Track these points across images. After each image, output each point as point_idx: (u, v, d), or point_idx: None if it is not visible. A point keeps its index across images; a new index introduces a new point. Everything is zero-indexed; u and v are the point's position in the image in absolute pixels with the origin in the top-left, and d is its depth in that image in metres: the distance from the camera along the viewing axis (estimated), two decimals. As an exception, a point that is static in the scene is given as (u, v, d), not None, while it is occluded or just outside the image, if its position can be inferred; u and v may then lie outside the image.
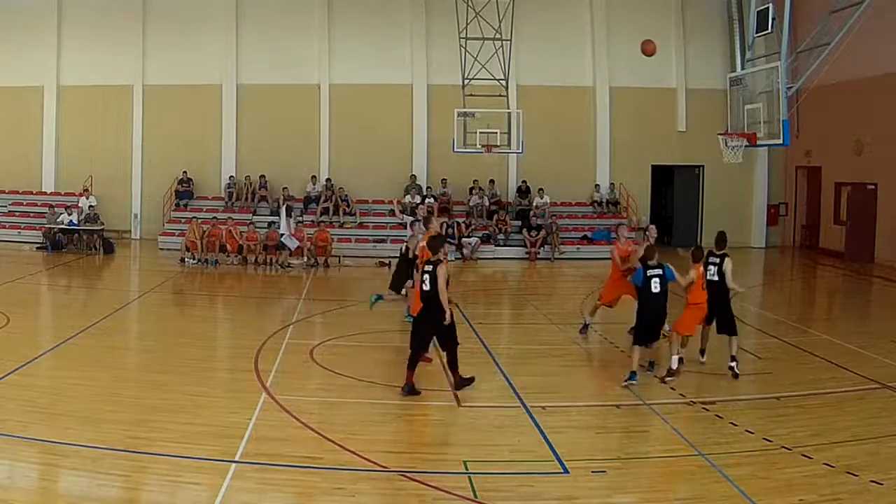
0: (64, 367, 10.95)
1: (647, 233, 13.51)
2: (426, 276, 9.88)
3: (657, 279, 10.49)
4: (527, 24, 26.04)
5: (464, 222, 24.94)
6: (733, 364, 10.89)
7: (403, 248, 14.32)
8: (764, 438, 8.39)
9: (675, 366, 10.65)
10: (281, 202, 25.94)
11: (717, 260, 11.18)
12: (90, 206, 25.01)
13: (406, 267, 13.80)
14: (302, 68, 27.27)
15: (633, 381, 10.27)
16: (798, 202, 27.97)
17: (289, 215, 21.89)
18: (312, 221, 24.05)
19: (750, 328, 14.92)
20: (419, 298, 10.11)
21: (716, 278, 11.06)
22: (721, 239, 11.46)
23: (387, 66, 27.29)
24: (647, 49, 14.14)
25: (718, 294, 11.00)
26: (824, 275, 22.69)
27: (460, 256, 24.11)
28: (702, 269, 10.87)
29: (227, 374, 11.38)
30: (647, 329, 10.58)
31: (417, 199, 26.14)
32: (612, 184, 27.48)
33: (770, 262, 25.84)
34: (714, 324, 11.20)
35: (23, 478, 7.20)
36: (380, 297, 14.11)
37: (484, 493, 7.07)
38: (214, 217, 23.38)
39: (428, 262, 10.04)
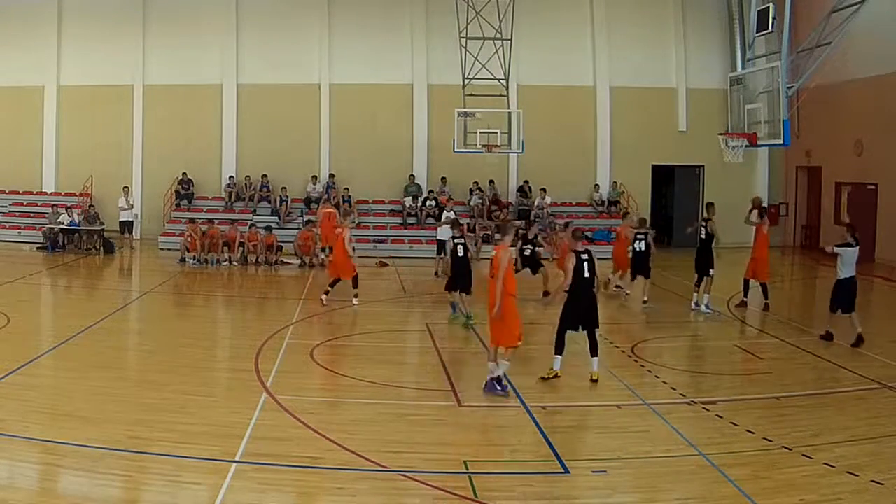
0: (64, 367, 10.95)
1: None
2: (585, 265, 10.42)
3: (461, 246, 14.28)
4: (527, 24, 26.05)
5: (467, 223, 24.95)
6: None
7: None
8: (764, 438, 8.38)
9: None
10: (278, 202, 26.02)
11: (703, 224, 15.22)
12: (127, 207, 25.15)
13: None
14: (302, 68, 27.30)
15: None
16: (798, 202, 27.96)
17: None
18: (313, 221, 23.99)
19: (750, 328, 14.94)
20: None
21: (703, 236, 15.17)
22: (709, 205, 15.48)
23: (387, 66, 27.32)
24: None
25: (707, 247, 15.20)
26: (824, 275, 22.59)
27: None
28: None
29: (227, 374, 11.38)
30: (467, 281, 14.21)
31: (419, 201, 26.18)
32: (613, 182, 27.48)
33: (770, 262, 25.71)
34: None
35: (23, 478, 7.19)
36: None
37: (484, 493, 7.06)
38: (209, 220, 23.17)
39: (582, 251, 10.54)
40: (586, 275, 10.40)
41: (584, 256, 10.44)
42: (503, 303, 9.60)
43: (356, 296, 15.88)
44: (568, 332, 10.53)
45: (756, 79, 15.64)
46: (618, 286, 17.70)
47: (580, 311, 10.46)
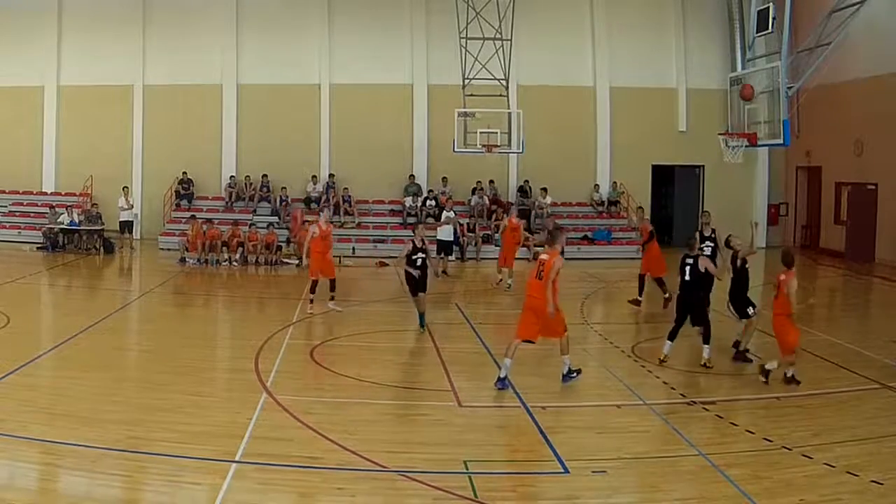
0: (64, 367, 10.96)
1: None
2: (687, 268, 11.41)
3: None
4: (527, 24, 26.04)
5: (467, 223, 24.96)
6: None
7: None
8: (764, 438, 8.38)
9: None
10: (278, 202, 26.02)
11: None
12: (127, 207, 25.00)
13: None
14: (302, 68, 27.29)
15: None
16: (798, 202, 27.97)
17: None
18: (308, 221, 23.96)
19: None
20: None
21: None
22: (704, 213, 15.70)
23: (387, 66, 27.31)
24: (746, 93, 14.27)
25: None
26: (824, 275, 22.67)
27: (459, 257, 24.09)
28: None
29: (227, 374, 11.39)
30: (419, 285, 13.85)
31: (419, 201, 26.19)
32: (613, 182, 27.48)
33: (770, 262, 25.69)
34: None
35: (23, 478, 7.19)
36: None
37: (484, 493, 7.06)
38: (208, 220, 23.13)
39: (689, 256, 11.48)
40: (687, 277, 11.38)
41: (689, 261, 11.42)
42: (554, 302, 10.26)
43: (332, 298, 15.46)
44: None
45: (756, 79, 15.60)
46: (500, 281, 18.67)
47: (684, 309, 11.42)
